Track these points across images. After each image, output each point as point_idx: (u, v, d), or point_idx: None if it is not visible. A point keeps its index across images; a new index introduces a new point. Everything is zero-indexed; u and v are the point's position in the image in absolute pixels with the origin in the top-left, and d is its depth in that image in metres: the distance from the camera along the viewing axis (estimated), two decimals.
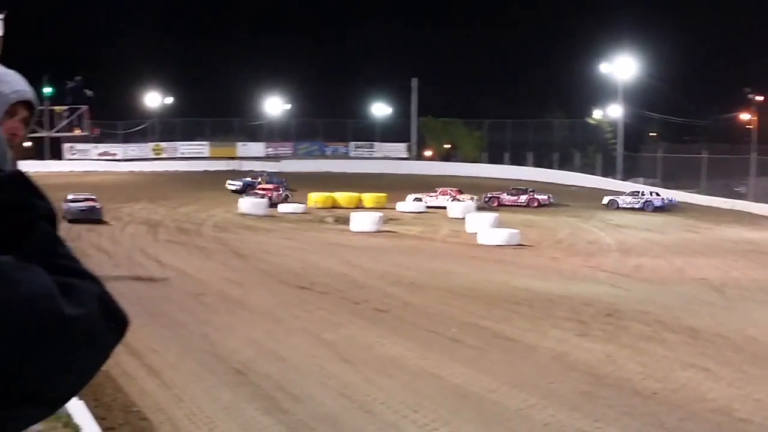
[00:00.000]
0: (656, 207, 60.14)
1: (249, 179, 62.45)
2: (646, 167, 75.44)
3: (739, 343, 22.31)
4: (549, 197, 61.68)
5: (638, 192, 63.24)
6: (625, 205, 60.61)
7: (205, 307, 25.76)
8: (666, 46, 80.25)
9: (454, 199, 58.10)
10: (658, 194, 62.68)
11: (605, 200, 62.09)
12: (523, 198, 61.16)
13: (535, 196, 61.71)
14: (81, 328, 1.44)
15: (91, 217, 44.90)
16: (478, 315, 25.12)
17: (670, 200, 62.24)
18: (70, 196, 46.88)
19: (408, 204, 57.28)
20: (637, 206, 60.37)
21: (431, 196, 59.16)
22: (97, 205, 46.73)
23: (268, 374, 18.50)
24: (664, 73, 78.19)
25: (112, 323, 1.52)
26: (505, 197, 61.52)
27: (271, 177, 63.40)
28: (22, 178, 1.62)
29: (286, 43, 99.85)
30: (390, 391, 17.48)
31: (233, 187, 60.92)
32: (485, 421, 15.69)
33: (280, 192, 58.08)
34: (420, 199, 58.17)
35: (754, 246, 42.63)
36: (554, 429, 15.40)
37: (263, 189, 58.30)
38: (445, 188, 60.86)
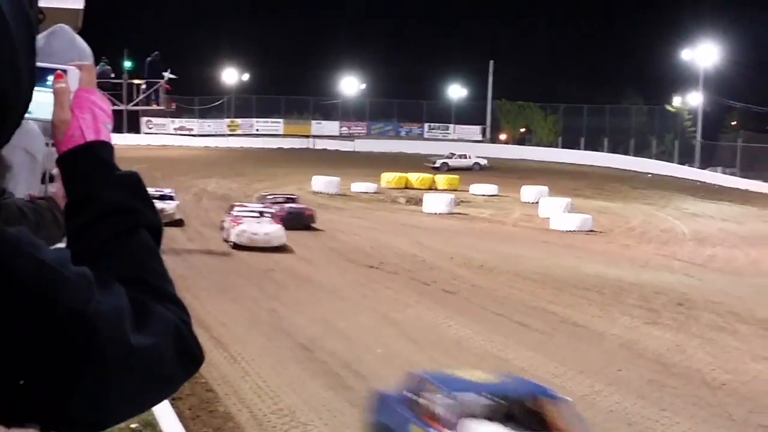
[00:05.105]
0: None
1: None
2: (724, 156, 74.10)
3: None
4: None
5: None
6: None
7: (275, 283, 25.98)
8: (749, 32, 78.64)
9: None
10: None
11: None
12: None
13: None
14: (146, 359, 1.35)
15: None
16: (546, 300, 24.98)
17: None
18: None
19: None
20: None
21: None
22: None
23: (334, 351, 18.63)
24: (747, 59, 76.75)
25: (184, 358, 1.42)
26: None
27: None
28: (136, 180, 1.55)
29: (362, 22, 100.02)
30: None
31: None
32: None
33: None
34: None
35: None
36: (619, 416, 15.30)
37: None
38: None
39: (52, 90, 1.53)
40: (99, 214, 1.47)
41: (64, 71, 1.55)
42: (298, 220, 37.53)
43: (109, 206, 1.48)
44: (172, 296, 1.46)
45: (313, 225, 37.92)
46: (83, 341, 1.30)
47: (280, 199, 40.95)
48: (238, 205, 35.81)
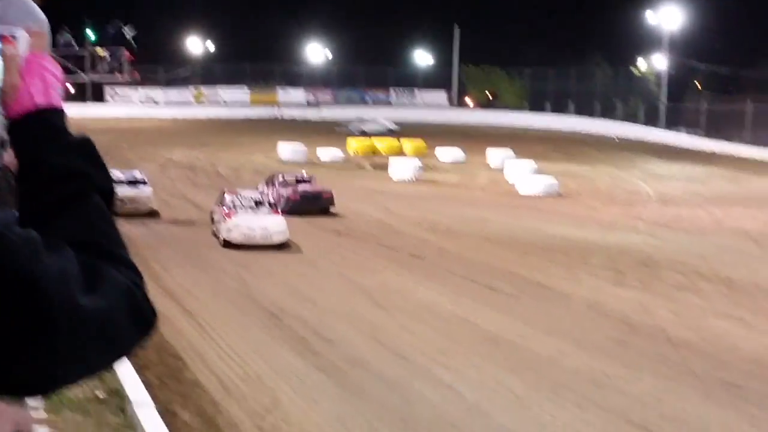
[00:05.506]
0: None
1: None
2: (689, 118, 74.51)
3: None
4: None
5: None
6: None
7: (242, 251, 25.94)
8: None
9: None
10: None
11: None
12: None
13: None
14: (95, 321, 1.35)
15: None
16: (513, 262, 25.13)
17: None
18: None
19: None
20: None
21: None
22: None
23: (302, 317, 18.68)
24: (711, 21, 76.91)
25: (137, 320, 1.42)
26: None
27: None
28: (88, 144, 1.54)
29: None
30: (422, 336, 17.60)
31: None
32: (516, 367, 15.77)
33: None
34: None
35: None
36: (585, 376, 15.45)
37: None
38: None
39: (0, 55, 1.51)
40: (50, 178, 1.47)
41: (14, 36, 1.53)
42: (314, 204, 32.76)
43: (60, 171, 1.47)
44: (125, 259, 1.46)
45: (332, 209, 33.17)
46: (30, 303, 1.30)
47: (291, 180, 35.07)
48: (230, 192, 29.55)
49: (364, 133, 63.31)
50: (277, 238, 26.51)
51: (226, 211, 27.41)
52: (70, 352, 1.34)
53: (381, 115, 71.14)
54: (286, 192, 33.14)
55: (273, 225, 26.80)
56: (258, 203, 28.39)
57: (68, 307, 1.32)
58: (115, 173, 29.83)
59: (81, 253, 1.39)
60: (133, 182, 31.05)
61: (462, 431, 12.64)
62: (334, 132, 63.88)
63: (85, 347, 1.36)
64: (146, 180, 32.44)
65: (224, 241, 26.48)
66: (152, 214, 30.82)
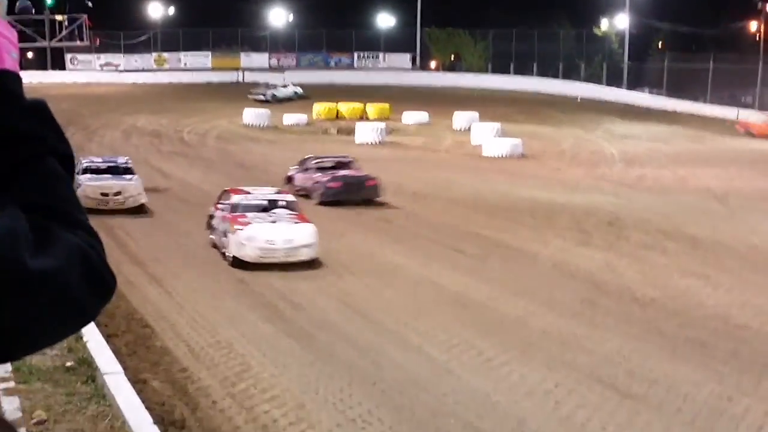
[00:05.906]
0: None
1: None
2: (651, 78, 74.84)
3: (740, 251, 22.44)
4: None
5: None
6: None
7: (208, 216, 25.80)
8: None
9: None
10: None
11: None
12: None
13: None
14: (47, 284, 1.29)
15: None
16: (480, 224, 25.21)
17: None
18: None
19: None
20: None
21: None
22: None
23: (270, 283, 18.66)
24: None
25: (94, 284, 1.36)
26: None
27: None
28: (42, 108, 1.48)
29: None
30: (391, 300, 17.63)
31: None
32: (484, 328, 15.83)
33: None
34: None
35: (758, 156, 42.52)
36: (553, 336, 15.55)
37: None
38: None
39: None
40: (3, 141, 1.42)
41: None
42: (357, 193, 27.96)
43: (13, 133, 1.42)
44: (82, 222, 1.42)
45: (378, 199, 28.28)
46: None
47: (329, 164, 30.13)
48: (235, 191, 22.76)
49: (275, 98, 63.28)
50: (306, 254, 20.21)
51: (233, 217, 21.00)
52: (23, 317, 1.29)
53: (290, 79, 71.19)
54: (324, 178, 28.50)
55: (300, 236, 20.35)
56: (273, 203, 22.06)
57: (16, 268, 1.26)
58: (95, 160, 27.42)
59: (34, 215, 1.35)
60: (117, 171, 26.59)
61: (432, 393, 12.68)
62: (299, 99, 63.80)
63: (38, 312, 1.30)
64: (132, 168, 27.56)
65: (233, 258, 20.09)
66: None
